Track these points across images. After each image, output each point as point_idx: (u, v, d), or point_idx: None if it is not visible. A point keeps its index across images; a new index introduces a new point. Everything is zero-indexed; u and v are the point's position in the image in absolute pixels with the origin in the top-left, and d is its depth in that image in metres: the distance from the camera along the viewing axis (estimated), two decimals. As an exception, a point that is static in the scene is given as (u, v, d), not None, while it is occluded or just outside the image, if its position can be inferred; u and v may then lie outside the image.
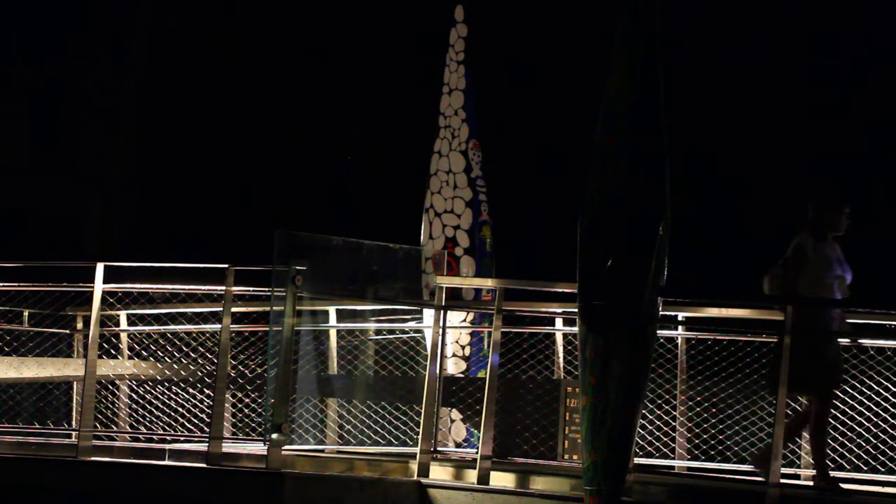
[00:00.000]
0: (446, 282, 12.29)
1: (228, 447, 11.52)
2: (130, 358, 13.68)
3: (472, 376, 13.51)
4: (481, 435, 11.05)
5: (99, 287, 11.62)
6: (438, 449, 11.71)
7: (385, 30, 26.06)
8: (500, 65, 22.97)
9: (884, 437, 11.81)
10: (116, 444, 12.41)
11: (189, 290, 12.26)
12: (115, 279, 11.91)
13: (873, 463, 11.99)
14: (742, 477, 11.17)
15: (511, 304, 12.13)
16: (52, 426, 13.55)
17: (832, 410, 11.46)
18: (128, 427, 13.66)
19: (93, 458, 11.44)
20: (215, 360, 11.71)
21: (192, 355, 13.39)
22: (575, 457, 11.74)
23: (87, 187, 25.28)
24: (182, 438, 12.51)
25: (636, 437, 9.66)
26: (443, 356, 11.64)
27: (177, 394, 13.58)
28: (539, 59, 25.27)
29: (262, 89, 26.46)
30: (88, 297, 11.81)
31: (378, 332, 13.50)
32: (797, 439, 11.82)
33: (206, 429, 12.05)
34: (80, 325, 14.12)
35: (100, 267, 11.62)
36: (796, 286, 10.78)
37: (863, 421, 11.96)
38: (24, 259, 12.52)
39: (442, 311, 11.51)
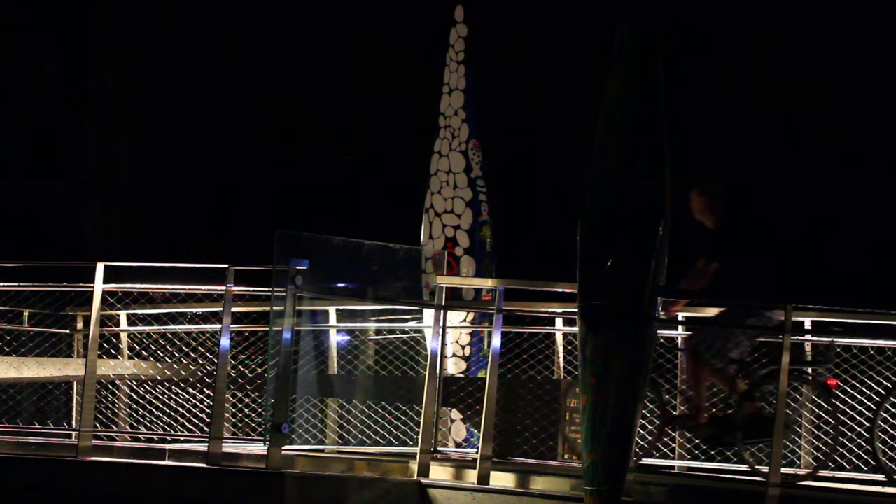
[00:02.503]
0: (446, 282, 12.28)
1: (228, 447, 11.51)
2: (130, 358, 13.67)
3: (472, 376, 13.51)
4: (481, 435, 11.04)
5: (99, 287, 11.61)
6: (438, 449, 11.70)
7: (385, 30, 26.06)
8: (500, 65, 22.98)
9: (884, 437, 11.79)
10: (116, 444, 12.41)
11: (189, 290, 12.26)
12: (115, 279, 11.90)
13: (873, 463, 11.98)
14: (742, 477, 11.15)
15: (511, 304, 12.12)
16: (52, 426, 13.54)
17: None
18: (128, 427, 13.66)
19: (93, 458, 11.43)
20: (215, 360, 11.71)
21: (192, 355, 13.39)
22: (575, 457, 11.74)
23: (87, 187, 25.27)
24: (182, 438, 12.50)
25: (636, 437, 9.65)
26: (443, 356, 11.63)
27: (177, 394, 13.57)
28: (539, 59, 25.28)
29: (262, 89, 26.46)
30: (88, 297, 11.80)
31: (378, 331, 13.50)
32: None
33: (206, 429, 12.04)
34: (80, 325, 14.11)
35: (100, 267, 11.62)
36: None
37: (863, 421, 11.96)
38: (24, 259, 12.52)
39: (442, 311, 11.50)
